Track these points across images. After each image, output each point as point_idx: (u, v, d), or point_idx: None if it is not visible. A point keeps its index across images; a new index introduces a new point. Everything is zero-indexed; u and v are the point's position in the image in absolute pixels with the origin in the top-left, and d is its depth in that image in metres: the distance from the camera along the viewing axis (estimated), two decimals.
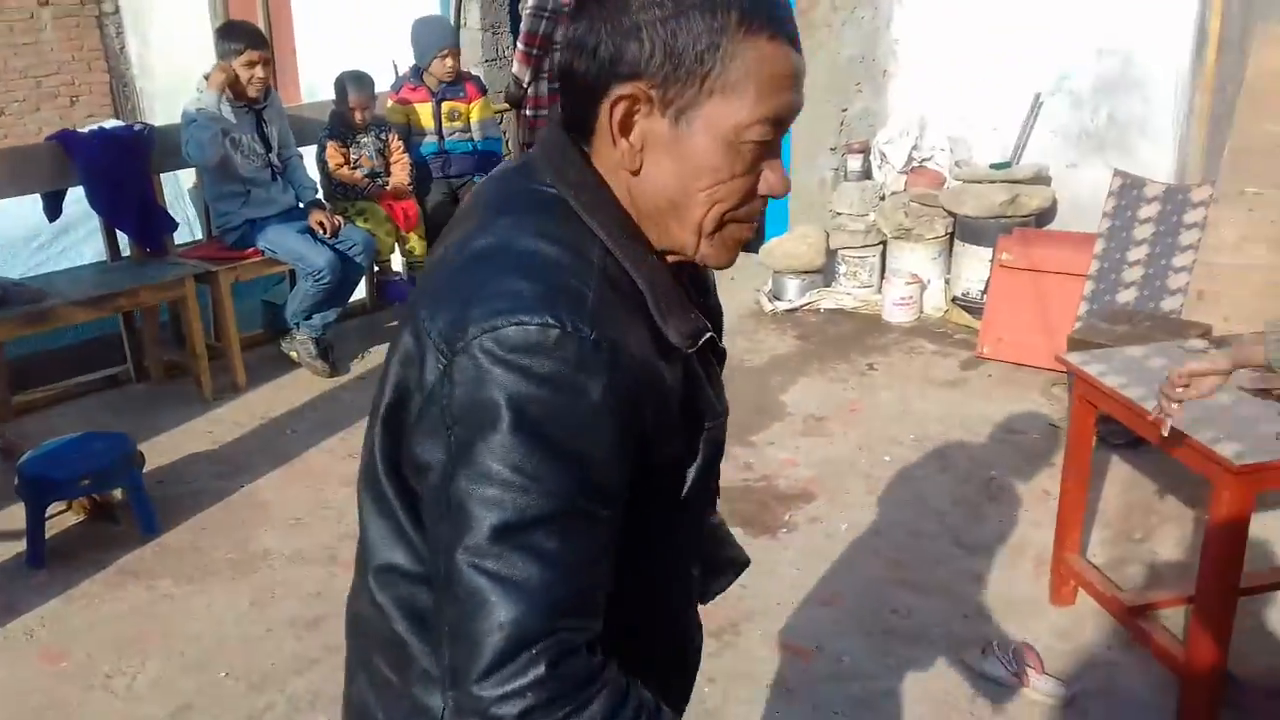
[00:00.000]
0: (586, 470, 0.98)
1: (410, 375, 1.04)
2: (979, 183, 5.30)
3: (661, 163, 1.05)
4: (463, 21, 6.93)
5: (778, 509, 3.79)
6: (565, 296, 0.99)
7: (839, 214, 5.74)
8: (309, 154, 5.31)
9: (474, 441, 0.97)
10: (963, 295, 5.38)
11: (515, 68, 5.69)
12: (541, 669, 0.95)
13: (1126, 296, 4.44)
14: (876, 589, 3.31)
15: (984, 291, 5.16)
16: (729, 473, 4.05)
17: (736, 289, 6.12)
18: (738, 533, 3.66)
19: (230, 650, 3.11)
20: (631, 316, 1.04)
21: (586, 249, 1.04)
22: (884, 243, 5.70)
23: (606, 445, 1.00)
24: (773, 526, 3.68)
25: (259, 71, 4.73)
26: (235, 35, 4.79)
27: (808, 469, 4.07)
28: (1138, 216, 4.48)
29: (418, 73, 5.45)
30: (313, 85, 7.58)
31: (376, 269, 5.53)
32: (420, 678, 1.15)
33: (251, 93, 4.77)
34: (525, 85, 5.65)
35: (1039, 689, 2.80)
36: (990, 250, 5.08)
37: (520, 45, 5.62)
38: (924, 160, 5.61)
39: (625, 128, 1.05)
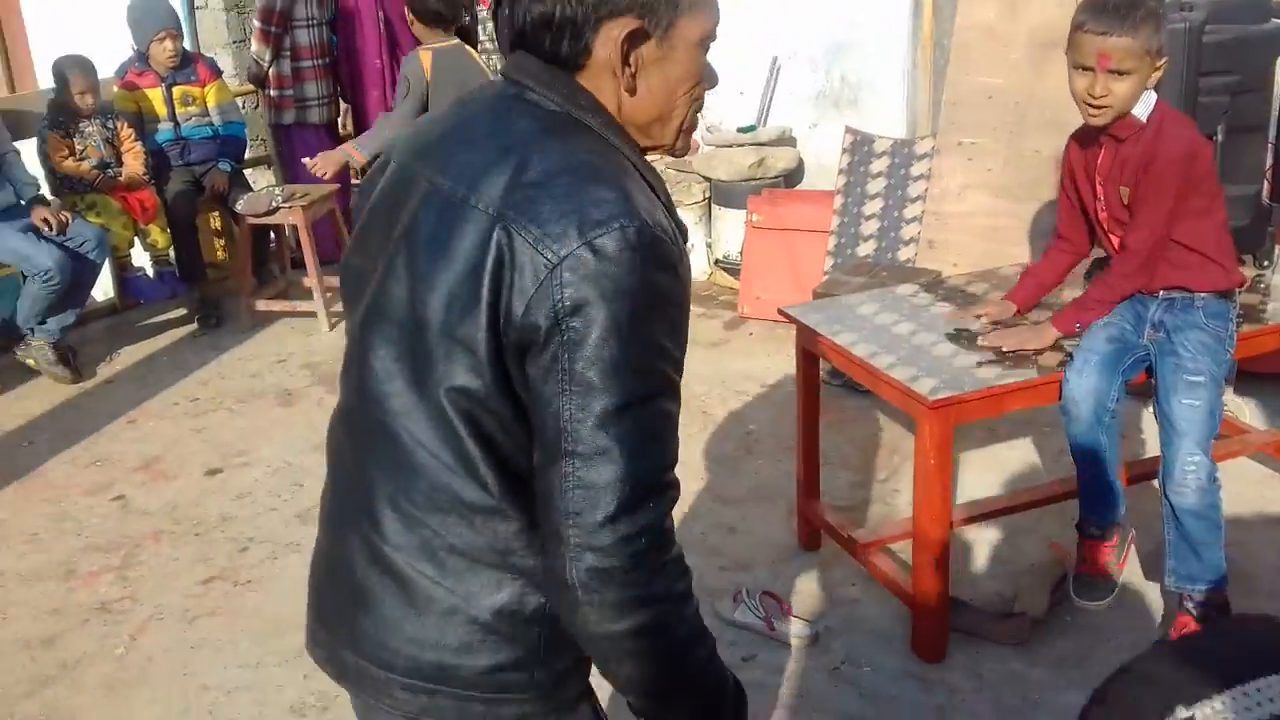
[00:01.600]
0: (679, 350, 1.19)
1: (504, 278, 1.15)
2: (729, 147, 5.44)
3: (651, 80, 1.25)
4: (202, 2, 6.60)
5: None
6: (641, 199, 1.17)
7: None
8: (31, 148, 4.96)
9: (591, 329, 1.11)
10: (724, 258, 5.52)
11: (254, 47, 5.47)
12: (655, 520, 1.15)
13: (866, 249, 4.65)
14: None
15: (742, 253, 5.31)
16: None
17: None
18: None
19: None
20: None
21: (622, 160, 1.23)
22: None
23: (686, 330, 1.21)
24: None
25: None
26: None
27: None
28: (870, 172, 4.70)
29: (143, 57, 5.16)
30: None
31: (119, 265, 5.23)
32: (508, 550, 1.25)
33: None
34: (266, 64, 5.44)
35: (786, 631, 2.92)
36: (744, 212, 5.23)
37: (257, 23, 5.41)
38: None
39: (627, 57, 1.22)
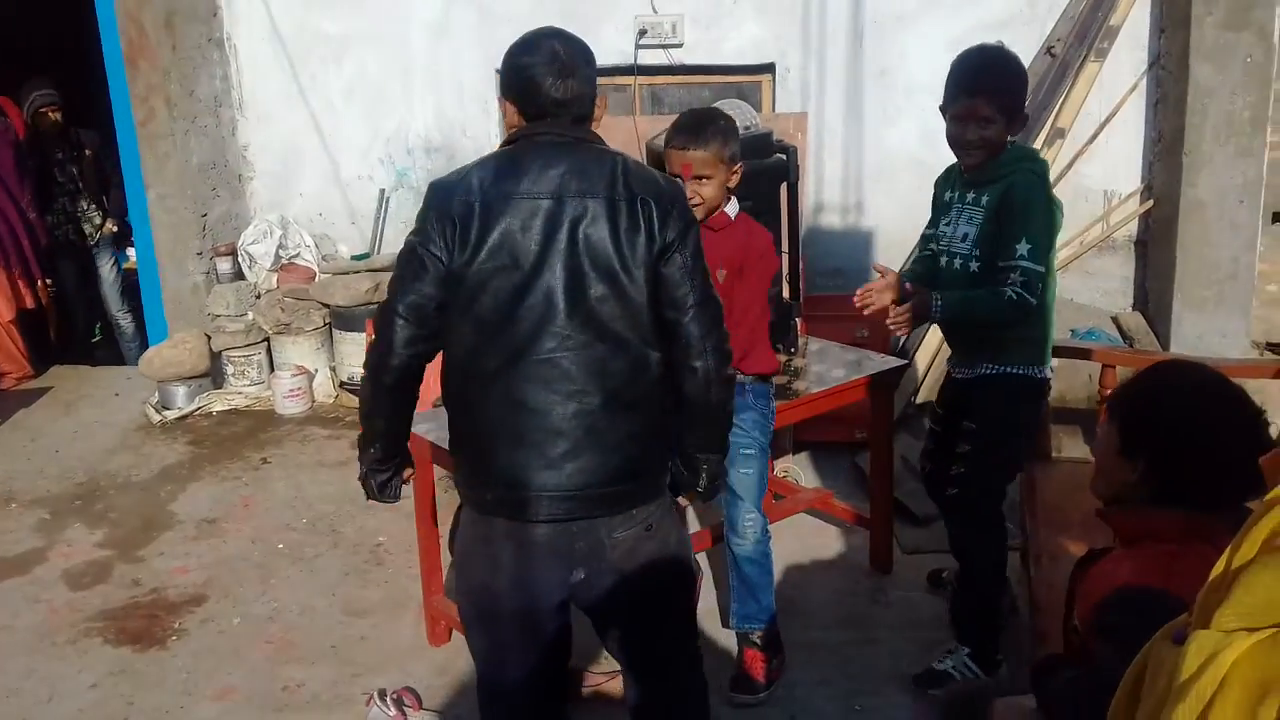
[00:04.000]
0: None
1: (654, 224, 2.10)
2: (345, 274, 5.65)
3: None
4: None
5: (167, 619, 3.75)
6: None
7: (217, 316, 5.79)
8: None
9: (686, 244, 2.13)
10: (349, 380, 5.68)
11: None
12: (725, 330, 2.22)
13: None
14: (268, 672, 3.42)
15: None
16: (113, 594, 3.93)
17: (122, 404, 5.91)
18: (124, 653, 3.57)
19: None
20: None
21: None
22: (267, 339, 5.84)
23: None
24: (162, 638, 3.64)
25: None
26: None
27: (200, 573, 4.07)
28: None
29: None
30: None
31: None
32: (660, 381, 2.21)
33: None
34: None
35: None
36: (364, 335, 5.43)
37: None
38: (292, 257, 5.85)
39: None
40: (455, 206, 2.10)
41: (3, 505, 4.73)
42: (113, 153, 6.10)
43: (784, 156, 3.39)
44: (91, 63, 6.01)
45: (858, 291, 3.10)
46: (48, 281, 6.51)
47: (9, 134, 6.03)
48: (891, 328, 3.03)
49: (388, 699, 3.13)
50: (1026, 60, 4.98)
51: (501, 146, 2.25)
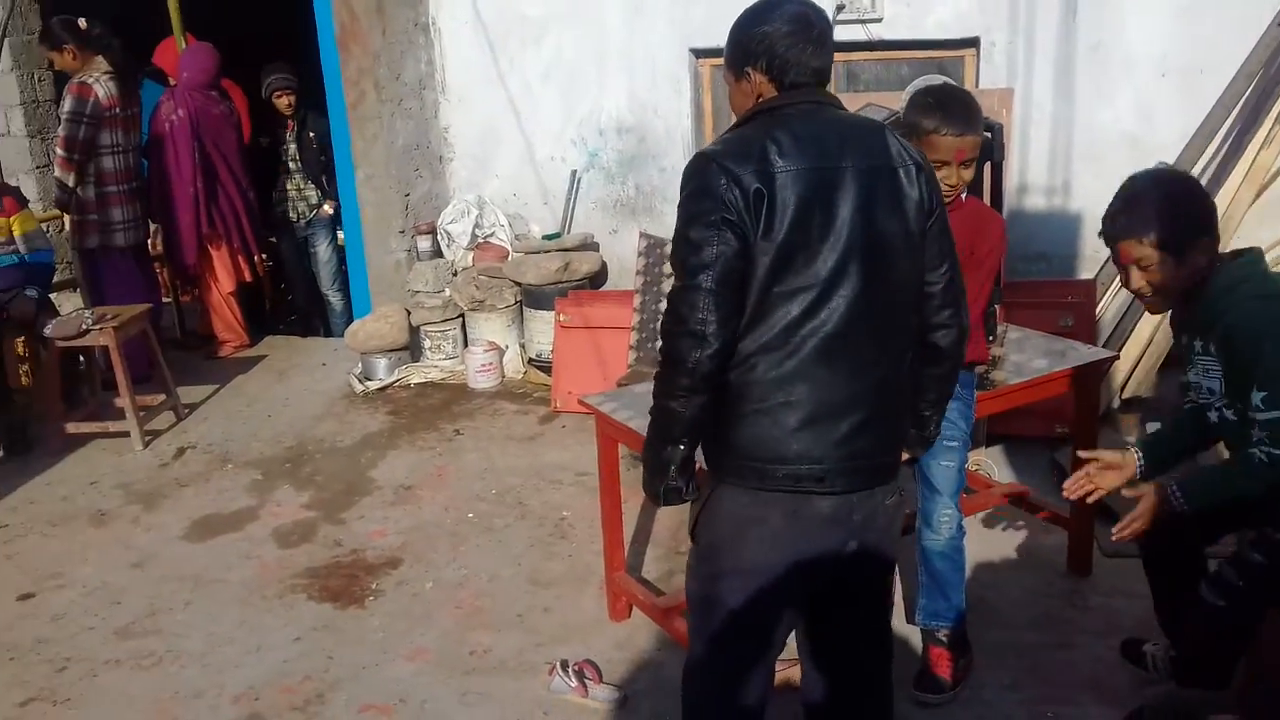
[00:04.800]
0: None
1: (921, 189, 2.10)
2: (536, 253, 5.77)
3: None
4: (3, 129, 6.59)
5: (365, 579, 3.93)
6: None
7: (417, 292, 6.02)
8: None
9: (943, 209, 2.15)
10: (537, 357, 5.81)
11: (57, 173, 5.52)
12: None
13: None
14: (457, 636, 3.54)
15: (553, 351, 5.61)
16: (317, 553, 4.15)
17: (328, 374, 6.22)
18: (326, 609, 3.75)
19: None
20: None
21: None
22: (462, 315, 6.03)
23: None
24: (360, 597, 3.82)
25: None
26: None
27: (396, 537, 4.25)
28: (664, 271, 5.10)
29: None
30: None
31: None
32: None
33: None
34: (71, 189, 5.49)
35: (597, 697, 3.13)
36: (553, 313, 5.54)
37: (60, 151, 5.47)
38: (487, 236, 6.02)
39: None
40: (753, 178, 1.95)
41: (220, 465, 5.06)
42: None
43: (989, 134, 3.25)
44: (306, 47, 6.31)
45: (1066, 485, 2.78)
46: (263, 256, 6.92)
47: (232, 117, 6.41)
48: (1115, 541, 2.68)
49: (569, 670, 3.19)
50: (1257, 31, 4.63)
51: (751, 115, 2.11)
